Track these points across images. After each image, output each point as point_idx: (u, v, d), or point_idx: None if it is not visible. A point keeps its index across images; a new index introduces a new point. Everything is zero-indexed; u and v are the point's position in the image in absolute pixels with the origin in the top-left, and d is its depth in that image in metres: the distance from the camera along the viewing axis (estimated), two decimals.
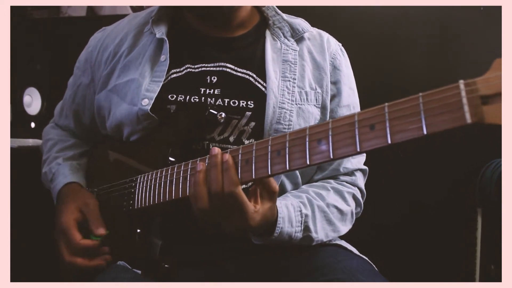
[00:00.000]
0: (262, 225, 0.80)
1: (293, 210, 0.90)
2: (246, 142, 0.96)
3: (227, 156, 0.74)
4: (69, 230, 0.96)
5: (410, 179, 1.70)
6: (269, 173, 0.70)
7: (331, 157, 0.63)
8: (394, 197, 1.68)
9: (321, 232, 0.95)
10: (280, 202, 0.88)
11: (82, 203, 1.01)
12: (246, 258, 0.96)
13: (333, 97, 1.05)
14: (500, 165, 1.46)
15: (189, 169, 0.83)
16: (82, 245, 0.95)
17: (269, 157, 0.70)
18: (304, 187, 1.02)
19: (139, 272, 0.93)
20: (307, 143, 0.66)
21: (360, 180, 1.06)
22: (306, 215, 0.92)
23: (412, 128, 0.55)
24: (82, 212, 0.99)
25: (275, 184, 0.78)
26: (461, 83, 0.53)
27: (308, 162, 0.65)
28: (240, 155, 0.75)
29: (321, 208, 0.95)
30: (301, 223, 0.90)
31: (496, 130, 0.52)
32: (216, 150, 0.76)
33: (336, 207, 0.98)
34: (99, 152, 1.17)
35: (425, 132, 0.54)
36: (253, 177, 0.72)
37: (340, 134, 0.62)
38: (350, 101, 1.07)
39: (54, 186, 1.09)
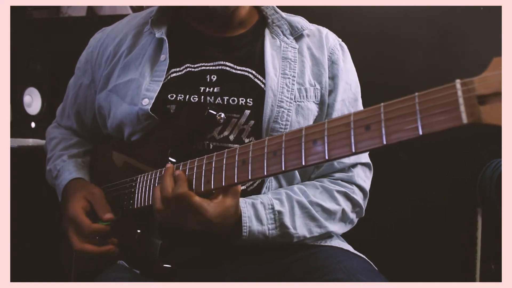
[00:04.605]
0: (223, 221, 0.82)
1: (262, 208, 0.90)
2: (246, 140, 0.96)
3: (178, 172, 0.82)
4: (78, 217, 0.96)
5: (410, 179, 1.69)
6: (265, 173, 0.70)
7: (326, 157, 0.62)
8: (394, 197, 1.67)
9: (302, 228, 0.93)
10: (245, 202, 0.90)
11: (87, 192, 1.02)
12: (245, 258, 0.96)
13: (330, 92, 1.04)
14: (500, 165, 1.46)
15: (187, 169, 0.83)
16: (93, 228, 0.94)
17: (265, 157, 0.70)
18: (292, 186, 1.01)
19: (139, 272, 0.93)
20: (302, 143, 0.66)
21: (359, 176, 1.02)
22: (280, 212, 0.91)
23: (407, 128, 0.54)
24: (88, 201, 1.00)
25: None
26: (458, 82, 0.52)
27: (303, 163, 0.65)
28: (237, 155, 0.75)
29: (301, 204, 0.94)
30: (275, 220, 0.91)
31: (496, 130, 0.50)
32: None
33: (321, 206, 0.95)
34: (100, 152, 1.17)
35: (420, 132, 0.53)
36: (249, 177, 0.72)
37: (335, 135, 0.62)
38: (345, 96, 1.04)
39: (60, 182, 1.09)
